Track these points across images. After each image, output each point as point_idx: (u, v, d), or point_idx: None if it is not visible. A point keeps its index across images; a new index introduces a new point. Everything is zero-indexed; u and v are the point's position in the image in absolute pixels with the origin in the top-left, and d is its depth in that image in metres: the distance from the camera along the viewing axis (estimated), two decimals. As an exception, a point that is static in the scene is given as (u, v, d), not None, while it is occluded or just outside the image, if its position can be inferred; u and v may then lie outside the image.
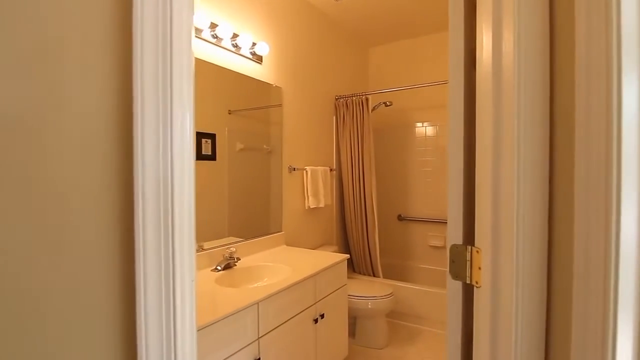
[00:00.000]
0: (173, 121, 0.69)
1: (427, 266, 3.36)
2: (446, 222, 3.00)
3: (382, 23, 3.10)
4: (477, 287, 0.74)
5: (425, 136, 3.38)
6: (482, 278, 0.72)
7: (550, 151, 0.66)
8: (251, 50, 2.09)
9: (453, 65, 0.82)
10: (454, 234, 0.79)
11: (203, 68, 1.83)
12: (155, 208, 0.66)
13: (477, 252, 0.74)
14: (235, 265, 1.86)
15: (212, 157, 1.91)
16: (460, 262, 0.77)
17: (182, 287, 0.66)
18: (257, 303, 1.41)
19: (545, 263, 0.66)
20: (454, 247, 0.78)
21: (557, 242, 0.66)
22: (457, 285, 0.79)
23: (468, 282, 0.77)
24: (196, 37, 1.78)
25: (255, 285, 1.81)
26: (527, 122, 0.64)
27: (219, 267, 1.78)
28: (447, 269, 0.79)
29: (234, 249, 1.83)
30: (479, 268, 0.73)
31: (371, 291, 2.41)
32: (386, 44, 3.57)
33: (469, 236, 0.77)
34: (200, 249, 1.83)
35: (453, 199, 0.79)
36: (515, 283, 0.65)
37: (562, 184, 0.65)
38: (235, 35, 1.96)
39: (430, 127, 3.35)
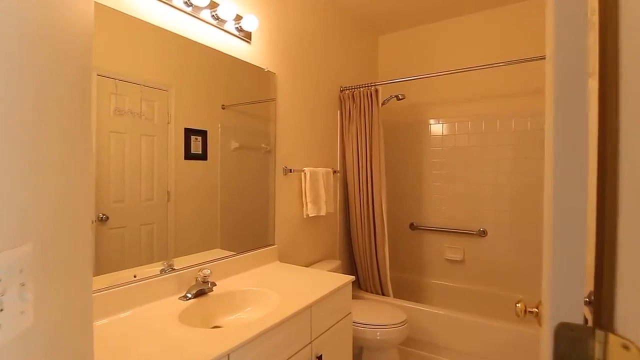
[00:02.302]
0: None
1: (443, 282, 2.95)
2: (465, 233, 2.52)
3: (394, 6, 2.70)
4: (626, 423, 0.35)
5: (442, 135, 2.97)
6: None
7: None
8: (237, 25, 1.71)
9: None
10: (561, 299, 0.40)
11: (177, 43, 1.45)
12: None
13: (627, 348, 0.35)
14: (212, 290, 1.48)
15: (203, 156, 1.64)
16: (581, 363, 0.38)
17: None
18: (228, 354, 1.02)
19: None
20: (565, 330, 0.39)
21: None
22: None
23: (598, 403, 0.37)
24: (164, 2, 1.41)
25: (234, 316, 1.43)
26: None
27: (189, 295, 1.40)
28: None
29: (209, 271, 1.45)
30: (634, 385, 0.34)
31: (380, 317, 2.01)
32: (398, 31, 3.18)
33: (602, 310, 0.38)
34: (169, 269, 1.46)
35: (563, 225, 0.39)
36: None
37: None
38: (214, 4, 1.59)
39: (447, 125, 2.95)
